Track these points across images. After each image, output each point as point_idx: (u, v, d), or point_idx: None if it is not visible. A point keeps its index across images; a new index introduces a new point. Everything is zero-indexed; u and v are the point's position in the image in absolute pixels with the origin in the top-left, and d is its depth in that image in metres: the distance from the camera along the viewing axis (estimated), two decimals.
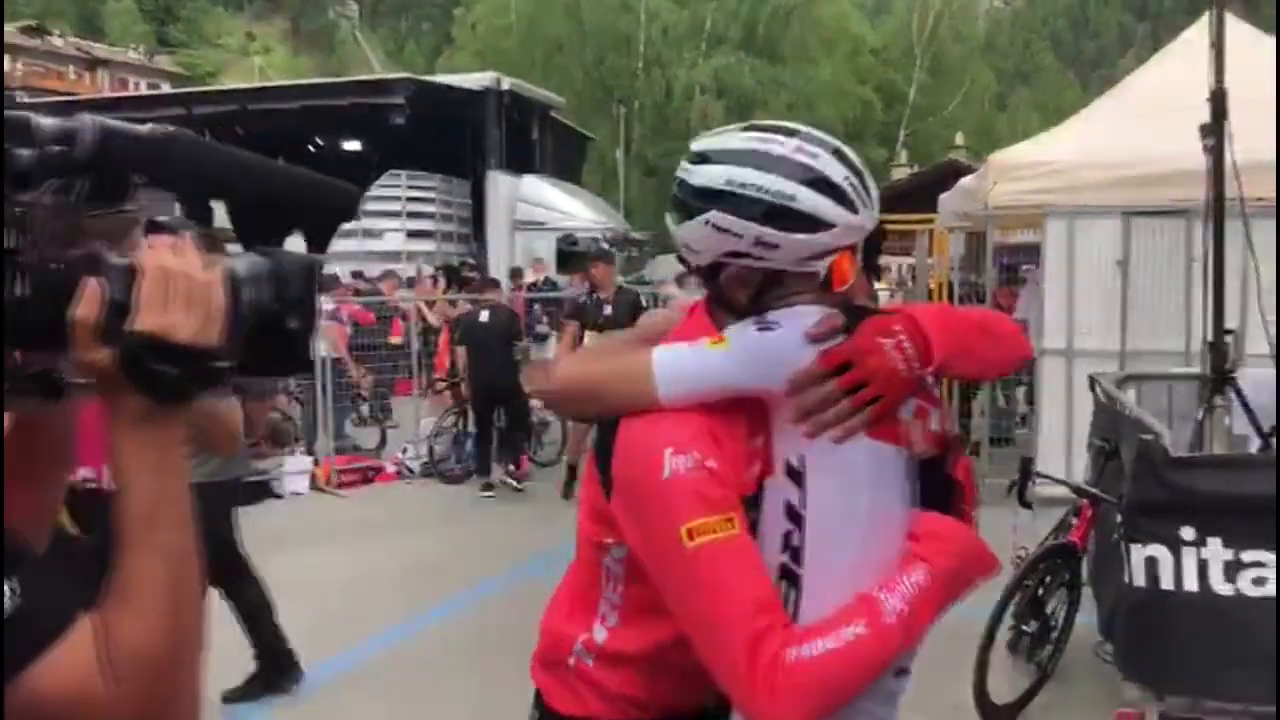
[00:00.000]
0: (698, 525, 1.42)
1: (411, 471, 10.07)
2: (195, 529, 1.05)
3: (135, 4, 65.34)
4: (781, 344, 1.49)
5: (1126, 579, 3.98)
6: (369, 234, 17.17)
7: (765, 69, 39.36)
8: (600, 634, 1.69)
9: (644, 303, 11.72)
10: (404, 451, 10.33)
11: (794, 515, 1.48)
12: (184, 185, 1.13)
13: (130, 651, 0.98)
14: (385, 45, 63.10)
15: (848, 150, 1.55)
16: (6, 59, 57.69)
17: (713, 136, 1.58)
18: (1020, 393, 10.19)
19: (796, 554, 1.48)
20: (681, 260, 1.66)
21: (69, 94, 43.21)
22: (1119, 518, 4.14)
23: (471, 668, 5.15)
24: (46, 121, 0.99)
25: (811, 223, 1.47)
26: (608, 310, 8.58)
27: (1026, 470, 4.58)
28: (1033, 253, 10.48)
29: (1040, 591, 4.50)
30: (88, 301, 0.98)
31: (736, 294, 1.55)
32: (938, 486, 1.56)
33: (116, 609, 0.99)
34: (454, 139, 18.60)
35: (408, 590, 6.50)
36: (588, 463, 1.67)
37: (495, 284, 11.13)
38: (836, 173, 1.49)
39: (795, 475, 1.48)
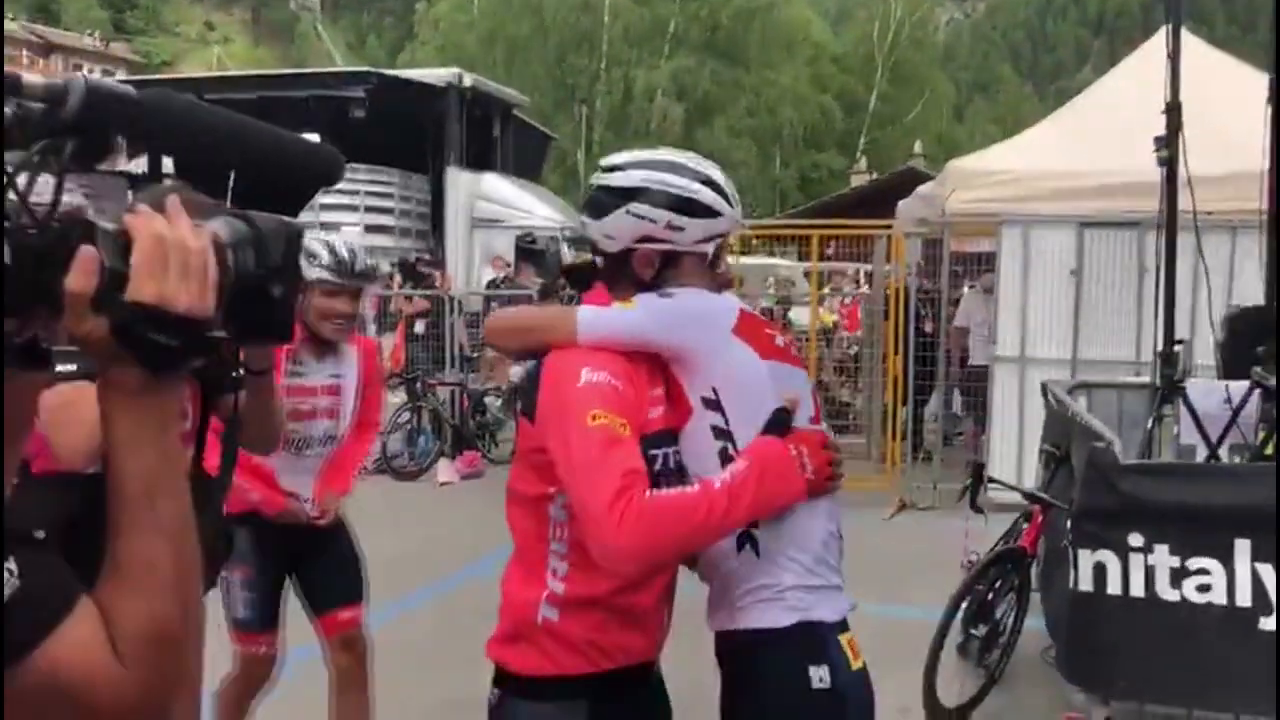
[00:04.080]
0: (601, 413, 1.81)
1: (365, 468, 9.94)
2: (189, 502, 1.02)
3: None
4: (677, 305, 1.94)
5: (1072, 583, 4.02)
6: (326, 227, 16.95)
7: (725, 72, 39.41)
8: (558, 586, 1.96)
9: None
10: None
11: (722, 433, 1.94)
12: (170, 147, 1.09)
13: (138, 633, 0.95)
14: (346, 38, 62.62)
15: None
16: None
17: (620, 156, 2.06)
18: (957, 399, 10.32)
19: (735, 461, 1.88)
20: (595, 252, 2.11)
21: None
22: (1068, 523, 4.18)
23: (429, 666, 5.10)
24: (33, 79, 0.95)
25: (707, 211, 1.97)
26: None
27: (979, 475, 4.61)
28: (989, 261, 10.60)
29: (990, 596, 4.53)
30: (83, 270, 0.92)
31: (643, 271, 1.99)
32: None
33: (120, 590, 0.96)
34: (414, 134, 18.39)
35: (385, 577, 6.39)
36: (518, 419, 2.12)
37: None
38: (719, 178, 2.02)
39: (712, 404, 1.93)
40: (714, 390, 1.92)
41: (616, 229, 1.97)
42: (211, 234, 1.03)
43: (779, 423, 1.91)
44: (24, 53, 58.47)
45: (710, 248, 2.01)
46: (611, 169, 2.02)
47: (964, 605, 4.45)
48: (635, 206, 1.94)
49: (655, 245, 1.97)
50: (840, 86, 44.51)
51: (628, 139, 37.89)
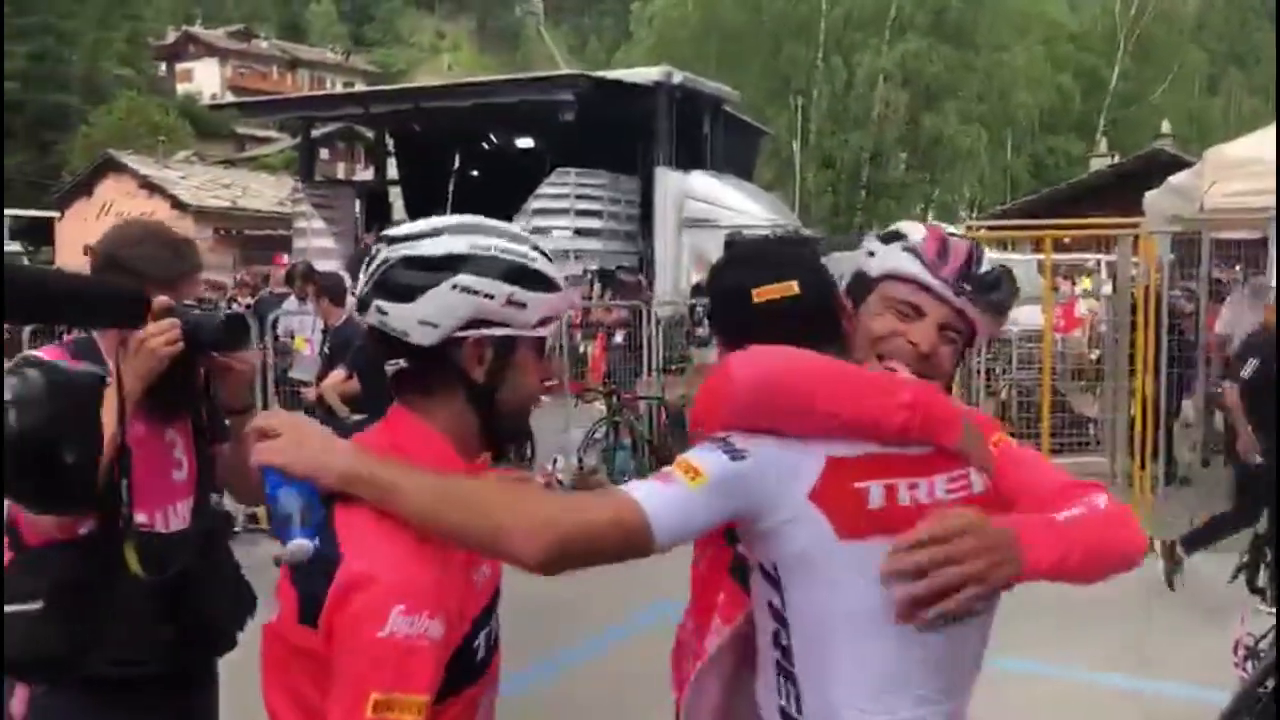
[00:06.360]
0: (386, 700, 1.37)
1: (562, 484, 9.66)
2: None
3: (334, 6, 68.16)
4: (753, 474, 1.53)
5: None
6: (537, 231, 16.96)
7: (954, 55, 37.61)
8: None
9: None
10: (554, 463, 9.92)
11: (778, 616, 1.62)
12: None
13: None
14: (569, 41, 63.90)
15: None
16: (215, 62, 61.06)
17: (419, 223, 1.56)
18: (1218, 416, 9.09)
19: (786, 652, 1.62)
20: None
21: (272, 93, 45.59)
22: None
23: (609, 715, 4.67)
24: None
25: (546, 283, 1.55)
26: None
27: (1259, 552, 3.72)
28: (1248, 250, 9.25)
29: (1275, 700, 3.64)
30: None
31: (474, 369, 1.54)
32: None
33: None
34: (624, 135, 18.22)
35: (540, 629, 6.02)
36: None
37: None
38: (546, 247, 1.60)
39: (771, 580, 1.61)
40: (774, 567, 1.60)
41: (439, 311, 1.49)
42: None
43: None
44: (274, 68, 62.54)
45: (548, 331, 1.59)
46: (413, 236, 1.53)
47: (1246, 714, 3.59)
48: (463, 279, 1.49)
49: (488, 331, 1.52)
50: (1078, 65, 41.76)
51: (847, 128, 36.79)
